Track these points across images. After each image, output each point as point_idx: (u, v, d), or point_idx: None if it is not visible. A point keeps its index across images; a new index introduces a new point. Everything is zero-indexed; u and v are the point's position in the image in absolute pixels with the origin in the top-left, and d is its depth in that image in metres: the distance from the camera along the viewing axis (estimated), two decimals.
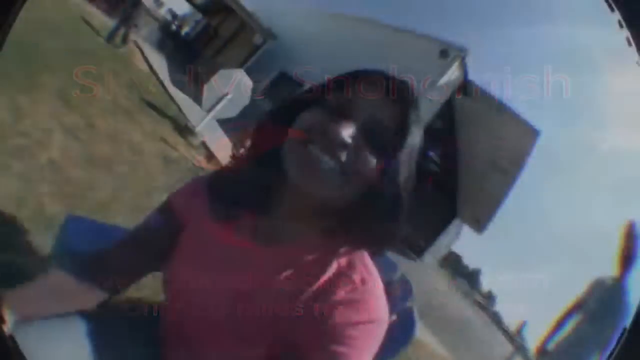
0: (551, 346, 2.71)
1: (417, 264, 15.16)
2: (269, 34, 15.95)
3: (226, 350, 0.77)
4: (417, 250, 16.48)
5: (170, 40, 21.84)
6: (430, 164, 19.63)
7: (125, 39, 8.02)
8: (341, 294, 0.71)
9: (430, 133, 11.54)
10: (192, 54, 19.17)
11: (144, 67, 9.45)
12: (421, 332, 6.72)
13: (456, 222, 21.15)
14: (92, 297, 0.85)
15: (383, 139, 0.71)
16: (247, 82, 6.97)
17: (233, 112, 6.76)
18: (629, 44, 0.84)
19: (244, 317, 0.73)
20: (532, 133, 10.51)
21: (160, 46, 17.30)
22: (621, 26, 0.84)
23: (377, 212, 0.73)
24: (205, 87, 6.75)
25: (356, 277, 0.73)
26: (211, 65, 14.90)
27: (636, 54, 0.84)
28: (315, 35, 15.79)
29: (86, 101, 4.54)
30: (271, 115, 0.83)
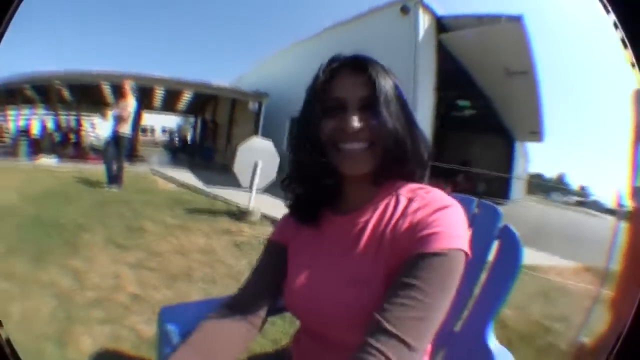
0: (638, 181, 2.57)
1: (511, 204, 14.82)
2: (259, 95, 16.32)
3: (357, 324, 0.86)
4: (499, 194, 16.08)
5: (182, 153, 22.59)
6: (464, 111, 19.35)
7: (118, 179, 8.20)
8: (413, 205, 0.89)
9: (449, 83, 11.52)
10: (207, 152, 19.70)
11: (170, 187, 9.87)
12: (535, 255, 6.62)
13: (518, 146, 20.59)
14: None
15: (375, 106, 0.91)
16: (266, 143, 7.16)
17: (272, 175, 6.94)
18: (625, 45, 0.88)
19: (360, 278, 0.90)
20: (516, 21, 10.25)
21: (177, 163, 17.96)
22: (616, 27, 0.88)
23: (390, 154, 0.94)
24: (236, 169, 6.95)
25: (419, 192, 0.93)
26: (230, 151, 15.34)
27: (631, 55, 0.87)
28: (295, 69, 16.13)
29: (138, 237, 4.81)
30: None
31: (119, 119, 7.83)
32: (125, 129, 7.91)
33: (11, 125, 15.16)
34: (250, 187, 6.79)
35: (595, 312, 3.03)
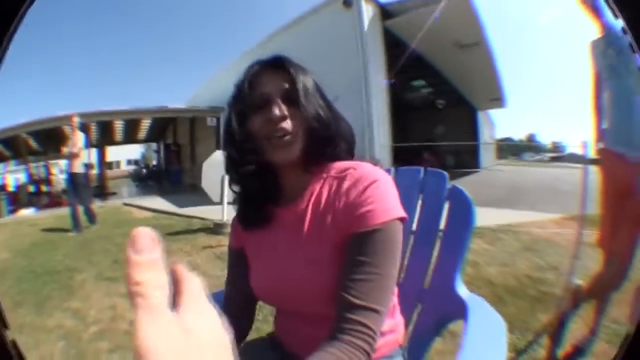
0: (604, 124, 2.65)
1: (483, 172, 15.10)
2: (216, 111, 16.33)
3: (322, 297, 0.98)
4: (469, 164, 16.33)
5: (150, 180, 22.44)
6: (421, 91, 19.61)
7: (91, 217, 8.11)
8: (345, 184, 0.98)
9: (401, 67, 11.60)
10: (174, 176, 19.61)
11: (146, 214, 10.04)
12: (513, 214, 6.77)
13: (482, 115, 20.95)
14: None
15: (296, 96, 1.00)
16: None
17: None
18: (633, 50, 0.89)
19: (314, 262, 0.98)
20: None
21: (146, 191, 17.85)
22: (625, 32, 0.90)
23: (315, 137, 1.02)
24: (204, 186, 6.97)
25: (349, 170, 1.01)
26: (198, 169, 15.31)
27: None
28: None
29: (125, 267, 4.89)
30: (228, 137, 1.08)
31: (72, 157, 7.64)
32: (78, 167, 7.68)
33: None
34: (221, 200, 6.80)
35: (584, 255, 3.17)
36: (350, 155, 1.10)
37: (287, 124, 0.99)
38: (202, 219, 8.03)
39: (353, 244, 0.91)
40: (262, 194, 1.08)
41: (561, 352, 2.47)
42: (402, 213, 0.94)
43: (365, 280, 0.86)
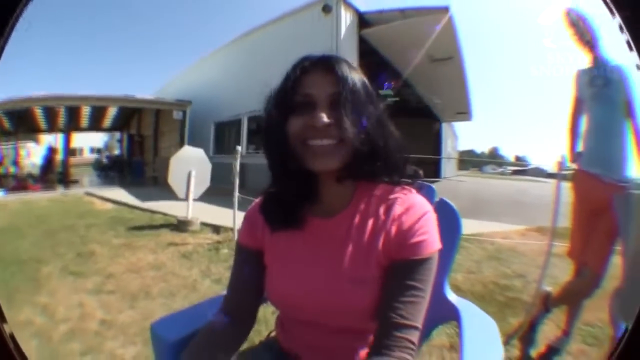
0: (579, 147, 2.78)
1: (444, 182, 15.32)
2: (183, 104, 16.14)
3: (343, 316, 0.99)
4: (429, 175, 16.54)
5: (111, 170, 21.97)
6: (387, 100, 19.75)
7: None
8: (397, 209, 0.97)
9: (370, 75, 11.65)
10: (136, 167, 19.25)
11: (108, 206, 9.80)
12: (475, 225, 6.95)
13: (445, 126, 21.30)
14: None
15: (344, 103, 0.93)
16: (197, 151, 7.14)
17: (206, 182, 6.95)
18: (630, 48, 0.90)
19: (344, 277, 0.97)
20: (442, 11, 10.57)
21: (108, 181, 17.51)
22: (622, 30, 0.91)
23: (360, 151, 0.95)
24: (171, 181, 6.88)
25: (399, 195, 1.00)
26: (160, 162, 15.12)
27: (637, 57, 0.90)
28: (217, 75, 16.06)
29: (90, 261, 4.90)
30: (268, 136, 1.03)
31: None
32: None
33: None
34: (187, 197, 6.76)
35: (552, 266, 3.41)
36: (398, 172, 1.03)
37: (331, 132, 0.93)
38: (165, 214, 7.92)
39: (403, 268, 0.94)
40: (298, 198, 1.04)
41: (535, 352, 2.66)
42: (440, 243, 0.98)
43: (413, 302, 0.91)
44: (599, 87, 2.51)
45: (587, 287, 2.48)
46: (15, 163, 16.05)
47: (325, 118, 0.92)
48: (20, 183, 13.92)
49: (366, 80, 1.01)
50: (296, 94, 0.96)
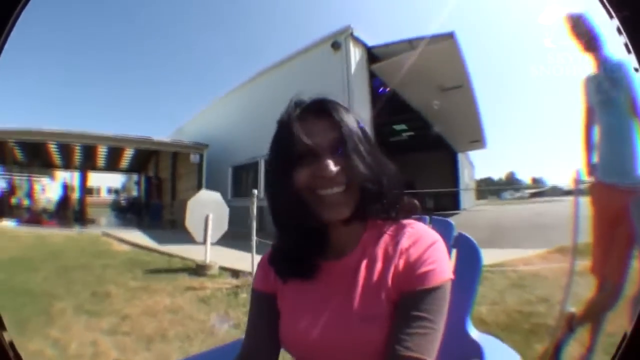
0: (594, 158, 2.77)
1: (464, 214, 15.22)
2: (200, 146, 16.29)
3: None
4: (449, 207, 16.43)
5: (129, 212, 22.16)
6: (402, 135, 19.80)
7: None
8: (404, 242, 0.95)
9: (384, 110, 11.76)
10: (154, 210, 19.35)
11: (125, 248, 9.79)
12: (498, 253, 6.82)
13: (461, 157, 21.21)
14: None
15: (346, 148, 0.93)
16: (214, 195, 7.17)
17: (224, 226, 6.96)
18: (628, 50, 0.90)
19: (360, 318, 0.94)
20: (448, 37, 10.63)
21: (126, 223, 17.62)
22: (620, 33, 0.91)
23: (367, 192, 0.95)
24: (188, 225, 6.89)
25: (406, 228, 0.98)
26: (178, 205, 15.19)
27: (635, 60, 0.90)
28: (232, 116, 16.26)
29: (105, 302, 4.91)
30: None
31: None
32: None
33: None
34: (205, 241, 6.73)
35: (575, 284, 3.31)
36: (398, 205, 1.03)
37: (338, 179, 0.92)
38: (183, 258, 7.86)
39: (411, 299, 0.91)
40: (310, 246, 1.02)
41: None
42: (451, 273, 0.95)
43: (420, 333, 0.88)
44: (606, 92, 2.52)
45: (610, 300, 2.47)
46: (30, 196, 16.26)
47: (332, 166, 0.92)
48: (34, 217, 14.07)
49: (359, 119, 1.01)
50: (296, 144, 0.94)
